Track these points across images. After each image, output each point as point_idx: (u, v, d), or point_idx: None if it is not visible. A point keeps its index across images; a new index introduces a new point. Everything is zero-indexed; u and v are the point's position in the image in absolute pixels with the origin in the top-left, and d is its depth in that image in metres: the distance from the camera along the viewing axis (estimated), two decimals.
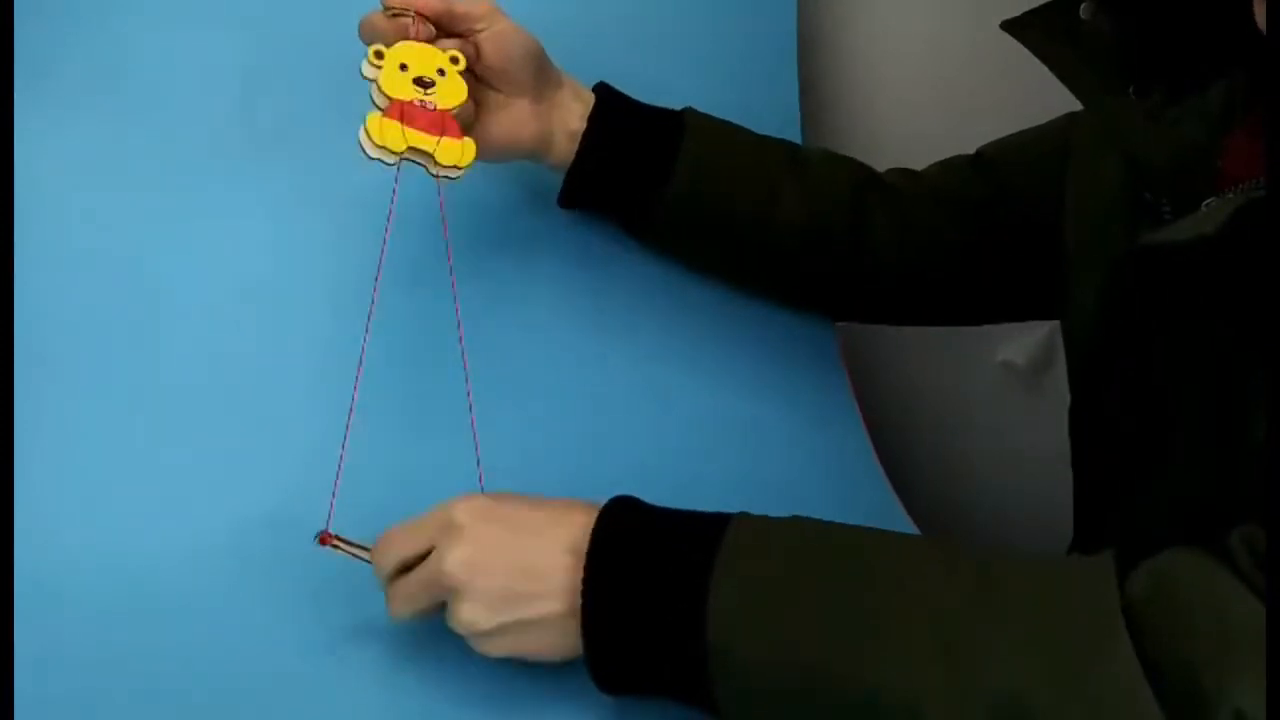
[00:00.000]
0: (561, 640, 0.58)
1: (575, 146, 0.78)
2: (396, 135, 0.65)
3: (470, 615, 0.57)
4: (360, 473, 0.63)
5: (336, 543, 0.62)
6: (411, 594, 0.60)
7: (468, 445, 0.65)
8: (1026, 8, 0.68)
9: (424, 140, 0.65)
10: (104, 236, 0.76)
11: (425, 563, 0.59)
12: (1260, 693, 0.49)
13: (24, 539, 0.61)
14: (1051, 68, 0.67)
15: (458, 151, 0.67)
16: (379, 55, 0.66)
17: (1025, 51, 0.68)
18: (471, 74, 0.73)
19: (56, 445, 0.67)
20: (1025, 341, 1.18)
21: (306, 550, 0.63)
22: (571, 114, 0.78)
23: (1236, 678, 0.49)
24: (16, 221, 0.72)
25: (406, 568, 0.60)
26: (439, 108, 0.66)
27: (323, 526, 0.62)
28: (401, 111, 0.65)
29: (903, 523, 0.81)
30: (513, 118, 0.75)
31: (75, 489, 0.66)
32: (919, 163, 0.88)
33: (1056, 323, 0.79)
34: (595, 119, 0.78)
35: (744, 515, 0.59)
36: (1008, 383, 1.22)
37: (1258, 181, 0.59)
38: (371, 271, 0.74)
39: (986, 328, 0.94)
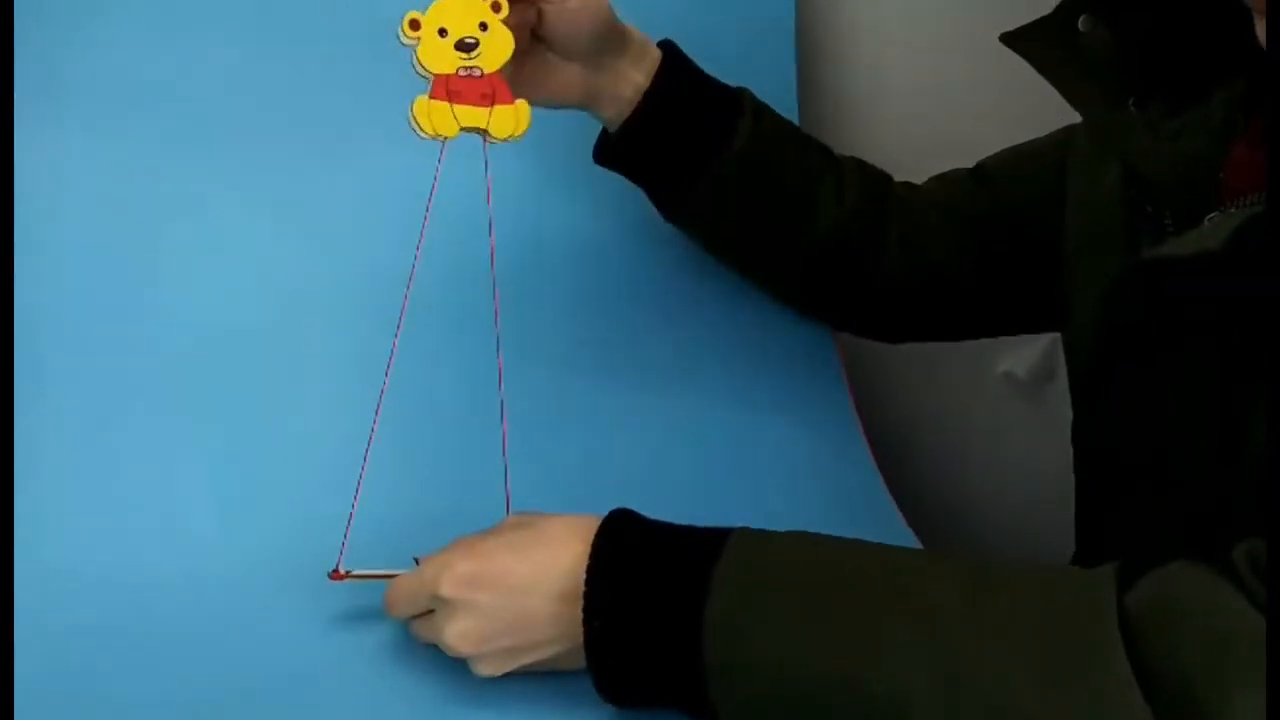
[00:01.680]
0: (568, 664, 0.60)
1: (623, 109, 0.76)
2: (447, 119, 0.62)
3: (485, 672, 0.61)
4: (373, 475, 0.64)
5: (350, 578, 0.63)
6: (423, 636, 0.63)
7: (476, 452, 0.65)
8: (1026, 11, 0.68)
9: (476, 116, 0.62)
10: (108, 239, 0.76)
11: (430, 626, 0.61)
12: (1260, 707, 0.48)
13: (25, 543, 0.62)
14: (1051, 80, 0.67)
15: (511, 121, 0.63)
16: (414, 25, 0.61)
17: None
18: (531, 33, 0.71)
19: (60, 450, 0.68)
20: (1026, 353, 1.18)
21: (310, 548, 0.64)
22: (625, 81, 0.76)
23: (1237, 691, 0.49)
24: (23, 222, 0.72)
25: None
26: (485, 72, 0.62)
27: (336, 534, 0.63)
28: (448, 88, 0.62)
29: (903, 533, 0.81)
30: (561, 80, 0.74)
31: (78, 491, 0.67)
32: (917, 166, 0.88)
33: (1058, 334, 0.79)
34: (657, 82, 0.76)
35: (743, 530, 0.59)
36: (1009, 394, 1.22)
37: (1260, 195, 0.59)
38: (375, 276, 0.74)
39: (988, 339, 0.94)
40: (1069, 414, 0.72)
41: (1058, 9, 0.67)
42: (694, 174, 0.79)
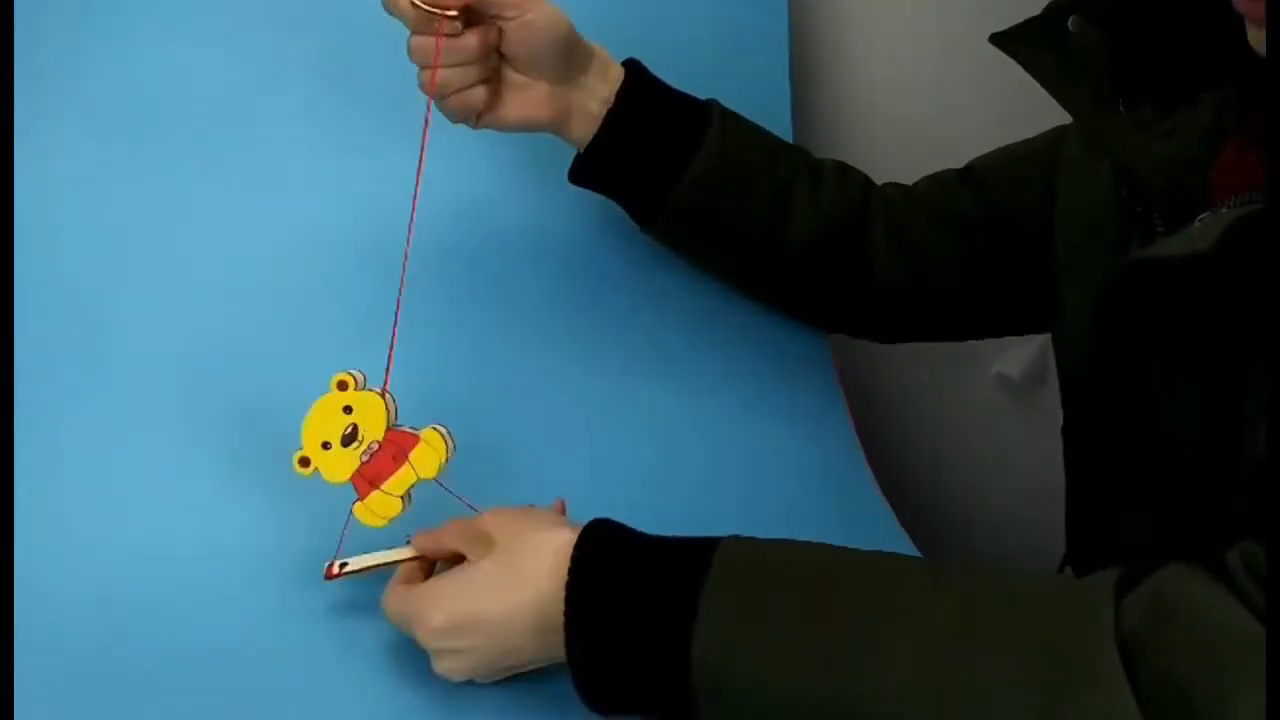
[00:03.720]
0: (552, 664, 0.61)
1: (592, 127, 0.77)
2: (386, 503, 0.63)
3: (480, 682, 0.62)
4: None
5: (344, 576, 0.64)
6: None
7: (476, 444, 0.65)
8: (1019, 9, 0.68)
9: (402, 481, 0.63)
10: (106, 238, 0.76)
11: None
12: (1259, 715, 0.48)
13: (25, 537, 0.62)
14: (1041, 81, 0.67)
15: (432, 456, 0.63)
16: (304, 462, 0.62)
17: None
18: (497, 53, 0.73)
19: (58, 446, 0.68)
20: (1019, 354, 1.18)
21: (308, 545, 0.65)
22: (592, 96, 0.77)
23: (1235, 697, 0.49)
24: (27, 221, 0.72)
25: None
26: (377, 441, 0.62)
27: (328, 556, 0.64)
28: (366, 479, 0.63)
29: (897, 534, 0.81)
30: (530, 99, 0.75)
31: (76, 487, 0.67)
32: (910, 167, 0.88)
33: (1049, 335, 0.79)
34: (623, 101, 0.77)
35: (732, 539, 0.59)
36: (1002, 395, 1.22)
37: (1251, 195, 0.59)
38: (368, 274, 0.74)
39: (981, 340, 0.94)
40: (1061, 414, 0.72)
41: (1047, 9, 0.67)
42: (663, 186, 0.79)
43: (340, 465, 0.62)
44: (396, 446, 0.62)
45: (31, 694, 0.58)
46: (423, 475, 0.63)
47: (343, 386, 0.62)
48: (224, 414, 0.71)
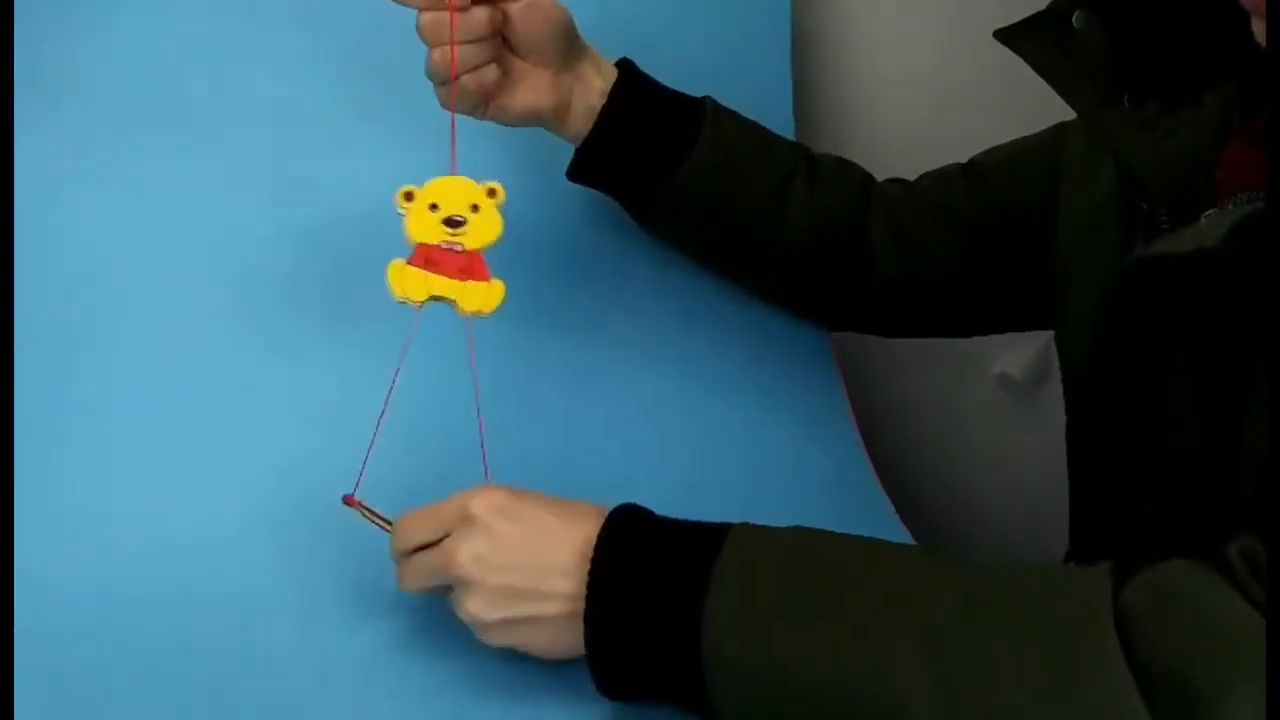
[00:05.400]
0: (561, 638, 0.60)
1: (591, 121, 0.78)
2: (418, 285, 0.63)
3: (475, 609, 0.59)
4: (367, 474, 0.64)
5: (360, 507, 0.64)
6: (422, 574, 0.61)
7: (476, 453, 0.65)
8: (1022, 6, 0.68)
9: (447, 287, 0.64)
10: (107, 234, 0.77)
11: (439, 549, 0.60)
12: (1258, 705, 0.48)
13: (25, 534, 0.62)
14: (1045, 77, 0.67)
15: (483, 296, 0.64)
16: (409, 197, 0.63)
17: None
18: (502, 38, 0.74)
19: (57, 443, 0.68)
20: (1022, 353, 1.18)
21: (311, 543, 0.65)
22: (591, 89, 0.78)
23: (1234, 688, 0.49)
24: (30, 219, 0.72)
25: (421, 546, 0.62)
26: (467, 249, 0.64)
27: (350, 493, 0.64)
28: (426, 257, 0.63)
29: (899, 532, 0.81)
30: (534, 86, 0.76)
31: (76, 483, 0.67)
32: (914, 165, 0.88)
33: (1053, 334, 0.79)
34: (616, 96, 0.78)
35: (744, 525, 0.59)
36: (1004, 394, 1.21)
37: (1256, 193, 0.59)
38: (371, 268, 0.74)
39: (983, 339, 0.94)
40: (1064, 413, 0.72)
41: (1051, 5, 0.67)
42: (658, 183, 0.80)
43: (426, 229, 0.63)
44: (471, 265, 0.63)
45: (32, 693, 0.58)
46: (461, 303, 0.63)
47: (492, 194, 0.64)
48: (225, 412, 0.72)
